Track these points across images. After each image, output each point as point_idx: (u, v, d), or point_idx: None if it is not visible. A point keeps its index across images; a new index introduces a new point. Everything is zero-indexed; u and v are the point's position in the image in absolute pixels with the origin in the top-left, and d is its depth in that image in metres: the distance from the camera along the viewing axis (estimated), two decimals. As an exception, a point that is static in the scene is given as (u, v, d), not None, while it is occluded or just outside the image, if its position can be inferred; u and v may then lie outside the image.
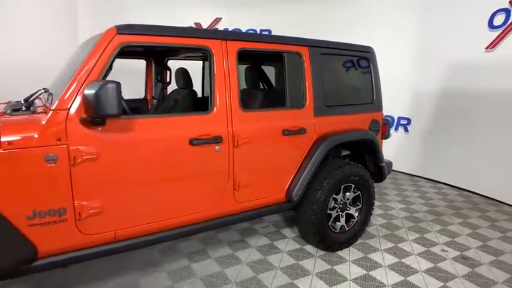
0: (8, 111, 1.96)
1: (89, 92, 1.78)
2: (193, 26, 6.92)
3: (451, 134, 5.13)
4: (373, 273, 2.81)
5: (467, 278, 2.76)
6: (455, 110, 5.07)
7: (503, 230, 3.70)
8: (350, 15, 5.86)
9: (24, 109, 2.01)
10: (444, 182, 5.31)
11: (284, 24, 6.47)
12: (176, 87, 3.38)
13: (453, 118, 5.10)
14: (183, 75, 3.27)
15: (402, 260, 3.02)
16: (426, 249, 3.23)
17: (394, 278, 2.74)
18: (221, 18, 7.00)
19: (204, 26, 6.92)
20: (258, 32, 6.89)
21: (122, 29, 2.02)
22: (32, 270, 1.88)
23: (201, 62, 4.06)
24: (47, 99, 2.10)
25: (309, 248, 3.19)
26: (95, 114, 1.81)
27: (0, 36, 5.16)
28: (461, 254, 3.15)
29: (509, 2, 4.41)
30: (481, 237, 3.51)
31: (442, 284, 2.68)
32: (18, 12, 5.33)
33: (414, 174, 5.69)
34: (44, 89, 2.64)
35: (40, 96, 2.35)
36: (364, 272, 2.82)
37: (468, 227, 3.74)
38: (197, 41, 2.31)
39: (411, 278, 2.74)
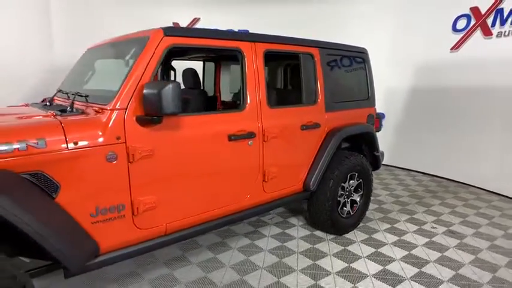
0: (57, 113, 1.98)
1: (151, 91, 1.87)
2: (172, 25, 6.91)
3: (421, 127, 5.69)
4: (381, 250, 3.14)
5: (458, 248, 3.20)
6: (425, 105, 5.64)
7: (475, 207, 4.26)
8: (328, 15, 6.20)
9: (71, 110, 2.03)
10: (416, 170, 5.89)
11: (262, 24, 6.68)
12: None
13: (423, 113, 5.67)
14: (193, 76, 3.37)
15: (402, 238, 3.40)
16: (418, 227, 3.66)
17: (400, 253, 3.10)
18: (199, 19, 7.07)
19: (183, 26, 6.94)
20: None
21: (168, 32, 2.12)
22: (94, 266, 1.93)
23: (202, 62, 4.18)
24: (86, 101, 2.12)
25: (319, 233, 3.47)
26: (156, 113, 1.91)
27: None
28: (448, 229, 3.62)
29: (470, 8, 5.02)
30: (459, 214, 4.02)
31: (440, 254, 3.08)
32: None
33: (389, 164, 6.21)
34: (59, 90, 2.64)
35: (66, 98, 2.35)
36: (374, 249, 3.15)
37: (447, 207, 4.25)
38: (231, 43, 2.46)
39: (414, 252, 3.12)
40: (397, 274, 2.76)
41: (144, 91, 1.92)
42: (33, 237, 1.57)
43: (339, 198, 3.32)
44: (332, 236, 3.40)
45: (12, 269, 1.55)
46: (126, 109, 1.95)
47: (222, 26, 6.99)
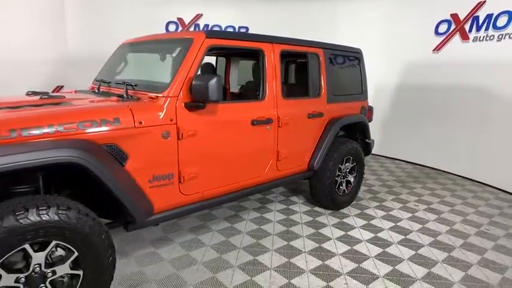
0: (119, 98, 2.42)
1: (200, 83, 2.35)
2: (176, 21, 7.31)
3: (405, 120, 6.31)
4: (372, 222, 3.72)
5: (437, 221, 3.80)
6: (409, 100, 6.25)
7: (451, 190, 4.90)
8: (327, 15, 6.71)
9: (127, 97, 2.48)
10: (400, 158, 6.52)
11: (262, 21, 7.18)
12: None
13: (407, 107, 6.29)
14: (211, 69, 3.83)
15: (389, 213, 3.98)
16: (403, 205, 4.25)
17: (388, 224, 3.68)
18: (202, 15, 7.46)
19: (186, 21, 7.33)
20: (237, 28, 7.54)
21: (209, 34, 2.59)
22: (150, 223, 2.40)
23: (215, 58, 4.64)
24: (134, 89, 2.56)
25: (318, 209, 4.01)
26: (203, 100, 2.39)
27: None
28: (429, 207, 4.23)
29: (450, 14, 5.63)
30: (438, 195, 4.65)
31: (421, 225, 3.68)
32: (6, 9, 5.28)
33: (376, 154, 6.82)
34: (97, 80, 3.07)
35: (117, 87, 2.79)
36: (366, 221, 3.72)
37: (427, 190, 4.88)
38: (255, 44, 2.94)
39: (400, 224, 3.70)
40: (387, 240, 3.34)
41: (194, 82, 2.38)
42: (115, 191, 2.04)
43: (336, 178, 3.87)
44: (330, 211, 3.95)
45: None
46: (178, 97, 2.42)
47: (223, 22, 7.46)
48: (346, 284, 2.59)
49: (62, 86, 6.18)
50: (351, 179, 4.10)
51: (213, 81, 2.33)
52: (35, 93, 2.79)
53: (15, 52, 5.42)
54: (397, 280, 2.66)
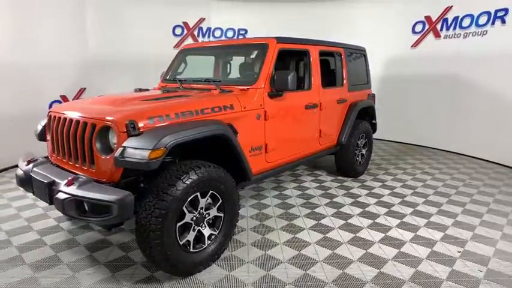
0: (219, 91, 3.21)
1: (282, 76, 3.18)
2: (182, 25, 7.97)
3: (390, 105, 7.46)
4: (386, 183, 4.74)
5: (432, 180, 4.91)
6: (392, 88, 7.40)
7: (435, 159, 6.09)
8: (321, 16, 7.68)
9: (223, 90, 3.26)
10: (388, 139, 7.69)
11: (261, 22, 8.05)
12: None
13: (390, 94, 7.43)
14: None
15: (396, 177, 5.03)
16: (404, 170, 5.34)
17: (398, 183, 4.72)
18: (204, 19, 8.17)
19: (191, 25, 8.01)
20: (236, 31, 8.36)
21: (279, 40, 3.42)
22: (252, 182, 3.21)
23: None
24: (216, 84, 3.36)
25: (340, 177, 4.97)
26: (284, 90, 3.22)
27: (21, 35, 5.49)
28: (423, 170, 5.35)
29: (425, 16, 6.82)
30: (427, 163, 5.80)
31: (422, 183, 4.76)
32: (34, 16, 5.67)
33: (367, 136, 7.93)
34: (178, 80, 3.79)
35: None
36: (381, 183, 4.74)
37: (417, 160, 6.03)
38: (305, 46, 3.82)
39: (407, 183, 4.76)
40: (401, 193, 4.36)
41: (277, 76, 3.21)
42: (241, 157, 2.84)
43: (355, 151, 4.85)
44: (351, 179, 4.93)
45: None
46: (264, 88, 3.24)
47: (223, 26, 8.23)
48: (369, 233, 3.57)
49: (85, 89, 6.65)
50: (364, 152, 5.11)
51: (291, 75, 3.18)
52: (141, 89, 3.49)
53: (44, 58, 5.83)
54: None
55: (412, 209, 3.83)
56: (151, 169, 2.19)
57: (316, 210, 3.80)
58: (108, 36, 6.88)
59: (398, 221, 3.53)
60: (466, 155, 6.29)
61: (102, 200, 2.08)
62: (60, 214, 3.58)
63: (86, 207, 2.19)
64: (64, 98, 6.29)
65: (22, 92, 5.54)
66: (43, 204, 3.87)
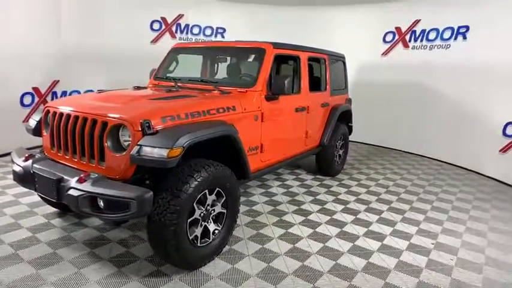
0: (219, 92, 3.33)
1: (279, 80, 3.36)
2: (160, 20, 7.89)
3: (359, 109, 7.89)
4: (361, 182, 5.11)
5: (401, 179, 5.36)
6: (361, 93, 7.83)
7: (402, 160, 6.61)
8: (300, 20, 7.96)
9: (221, 92, 3.38)
10: (356, 141, 8.16)
11: (239, 23, 8.18)
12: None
13: (359, 99, 7.85)
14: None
15: (369, 176, 5.43)
16: (375, 171, 5.76)
17: (372, 182, 5.11)
18: (183, 15, 8.15)
19: (169, 21, 7.96)
20: (215, 29, 8.43)
21: (275, 46, 3.60)
22: (251, 179, 3.37)
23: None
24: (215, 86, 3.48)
25: (319, 176, 5.27)
26: (280, 93, 3.41)
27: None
28: (392, 170, 5.81)
29: (395, 27, 7.34)
30: (395, 165, 6.29)
31: (393, 182, 5.19)
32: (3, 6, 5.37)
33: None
34: (160, 77, 3.85)
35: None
36: (356, 182, 5.10)
37: (386, 161, 6.51)
38: (296, 52, 4.03)
39: (379, 182, 5.17)
40: (376, 191, 4.74)
41: (274, 80, 3.39)
42: (242, 154, 3.00)
43: (334, 152, 5.17)
44: (328, 178, 5.24)
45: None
46: (261, 91, 3.41)
47: (202, 23, 8.26)
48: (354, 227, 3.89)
49: (58, 81, 6.40)
50: (341, 153, 5.46)
51: (288, 80, 3.38)
52: (139, 87, 3.51)
53: (14, 48, 5.53)
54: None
55: (388, 206, 4.20)
56: (168, 167, 2.28)
57: (303, 207, 4.04)
58: (83, 27, 6.65)
59: (377, 216, 3.87)
60: (427, 157, 6.88)
61: (121, 197, 2.14)
62: (47, 211, 3.52)
63: (101, 204, 2.23)
64: (36, 91, 6.02)
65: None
66: (26, 200, 3.76)
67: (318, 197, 4.38)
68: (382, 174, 5.60)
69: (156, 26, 7.84)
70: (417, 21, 6.96)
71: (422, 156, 6.99)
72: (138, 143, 2.30)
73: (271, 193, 4.43)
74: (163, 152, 2.24)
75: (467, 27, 6.05)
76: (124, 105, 2.67)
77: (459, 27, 6.17)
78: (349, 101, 5.67)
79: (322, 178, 5.19)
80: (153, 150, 2.26)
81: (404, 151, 7.35)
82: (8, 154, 5.50)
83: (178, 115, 2.59)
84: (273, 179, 5.05)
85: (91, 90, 6.58)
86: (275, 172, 5.34)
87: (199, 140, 2.48)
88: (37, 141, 3.90)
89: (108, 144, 2.42)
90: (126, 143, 2.44)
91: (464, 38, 6.10)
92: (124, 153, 2.37)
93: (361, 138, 8.10)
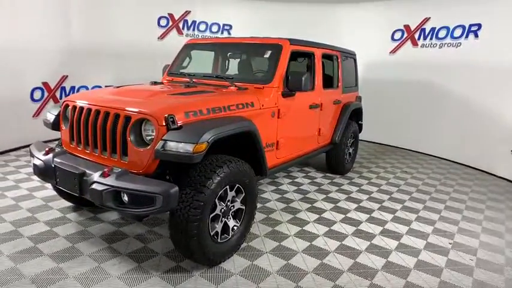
0: (233, 89, 3.30)
1: (297, 77, 3.33)
2: (167, 16, 7.86)
3: (366, 107, 7.87)
4: (364, 187, 5.10)
5: (412, 179, 5.35)
6: (368, 91, 7.79)
7: (411, 159, 6.60)
8: (307, 17, 7.91)
9: (238, 88, 3.35)
10: (363, 139, 8.14)
11: (246, 20, 8.14)
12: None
13: (366, 97, 7.82)
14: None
15: (379, 175, 5.42)
16: (385, 170, 5.75)
17: (383, 181, 5.10)
18: (190, 12, 8.11)
19: (176, 17, 7.93)
20: (221, 26, 8.39)
21: (292, 42, 3.58)
22: (266, 176, 3.34)
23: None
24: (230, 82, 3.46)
25: (329, 174, 5.26)
26: (297, 90, 3.39)
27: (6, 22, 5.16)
28: (402, 169, 5.80)
29: (404, 25, 7.30)
30: (404, 164, 6.28)
31: (404, 181, 5.17)
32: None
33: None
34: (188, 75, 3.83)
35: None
36: (367, 180, 5.09)
37: (394, 160, 6.49)
38: (310, 49, 4.00)
39: (390, 180, 5.15)
40: (378, 198, 4.73)
41: (291, 77, 3.36)
42: (262, 152, 2.98)
43: (345, 150, 5.16)
44: (338, 176, 5.22)
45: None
46: (278, 87, 3.39)
47: (209, 19, 8.22)
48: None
49: (67, 76, 6.38)
50: (351, 151, 5.44)
51: (306, 76, 3.35)
52: (156, 83, 3.49)
53: (24, 43, 5.49)
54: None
55: (401, 205, 4.19)
56: (193, 162, 2.27)
57: (315, 204, 4.03)
58: (92, 23, 6.62)
59: (392, 215, 3.86)
60: (435, 156, 6.87)
61: (147, 192, 2.12)
62: (62, 205, 3.51)
63: (125, 199, 2.21)
64: (46, 85, 5.99)
65: (2, 77, 5.21)
66: (41, 194, 3.75)
67: (329, 195, 4.36)
68: (392, 173, 5.58)
69: (163, 22, 7.81)
70: (427, 19, 6.92)
71: (429, 155, 6.98)
72: (163, 138, 2.29)
73: (282, 190, 4.42)
74: (189, 147, 2.23)
75: (479, 25, 6.01)
76: (146, 99, 2.65)
77: (471, 25, 6.14)
78: (359, 98, 5.64)
79: (332, 176, 5.17)
80: (178, 145, 2.24)
81: (411, 150, 7.33)
82: (20, 148, 5.54)
83: (200, 110, 2.57)
84: (282, 176, 5.03)
85: (99, 86, 6.58)
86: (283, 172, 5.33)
87: (223, 136, 2.46)
88: (50, 135, 3.90)
89: (131, 138, 2.40)
90: (148, 138, 2.42)
91: (476, 36, 6.06)
92: (148, 147, 2.36)
93: (368, 137, 8.08)
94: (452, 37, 6.50)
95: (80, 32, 6.40)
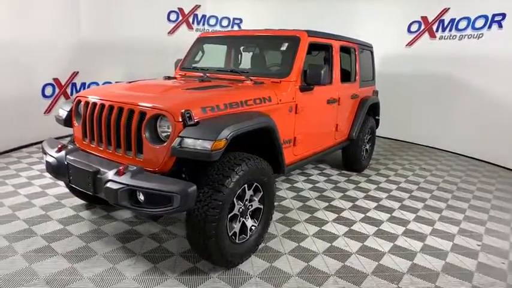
0: (249, 83, 3.17)
1: (315, 70, 3.19)
2: (177, 11, 7.75)
3: (381, 102, 7.68)
4: (382, 185, 4.93)
5: (431, 176, 5.17)
6: (383, 86, 7.58)
7: (429, 156, 6.39)
8: (319, 11, 7.70)
9: (255, 82, 3.22)
10: (381, 135, 7.93)
11: (257, 14, 7.98)
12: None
13: (386, 88, 7.63)
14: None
15: (397, 172, 5.24)
16: (402, 166, 5.57)
17: (399, 179, 4.93)
18: (200, 6, 7.98)
19: (186, 11, 7.81)
20: (231, 20, 8.25)
21: (309, 34, 3.43)
22: (284, 173, 3.22)
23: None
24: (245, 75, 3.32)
25: (345, 172, 5.11)
26: (316, 84, 3.24)
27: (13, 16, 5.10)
28: (420, 166, 5.61)
29: (421, 17, 7.05)
30: (422, 160, 6.08)
31: (423, 179, 4.99)
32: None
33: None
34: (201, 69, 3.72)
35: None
36: (385, 178, 4.92)
37: (411, 156, 6.30)
38: (328, 41, 3.84)
39: (402, 185, 4.98)
40: (398, 197, 4.56)
41: (310, 70, 3.21)
42: (280, 149, 2.85)
43: (362, 146, 4.99)
44: (355, 173, 5.07)
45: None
46: (295, 82, 3.25)
47: (218, 13, 8.08)
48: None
49: (77, 72, 6.33)
50: (368, 147, 5.27)
51: (325, 69, 3.20)
52: (169, 77, 3.38)
53: (35, 39, 5.43)
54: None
55: (423, 204, 4.02)
56: (212, 160, 2.15)
57: (333, 203, 3.89)
58: (102, 19, 6.55)
59: (414, 215, 3.70)
60: (453, 153, 6.64)
61: (164, 191, 2.02)
62: (75, 203, 3.45)
63: (141, 198, 2.12)
64: (57, 82, 5.95)
65: (14, 74, 5.16)
66: (53, 192, 3.70)
67: (347, 193, 4.22)
68: (410, 170, 5.40)
69: (173, 16, 7.71)
70: (446, 10, 6.66)
71: (447, 151, 6.75)
72: (180, 135, 2.18)
73: (297, 188, 4.29)
74: (207, 144, 2.11)
75: (503, 15, 5.74)
76: (161, 94, 2.55)
77: (494, 15, 5.87)
78: (376, 92, 5.46)
79: (348, 173, 5.02)
80: (195, 142, 2.13)
81: (428, 146, 7.11)
82: (32, 145, 5.51)
83: (217, 105, 2.45)
84: (297, 173, 4.90)
85: (109, 82, 6.51)
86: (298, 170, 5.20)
87: (241, 132, 2.34)
88: (62, 131, 3.83)
89: (146, 135, 2.30)
90: (164, 134, 2.32)
91: (500, 26, 5.80)
92: (164, 144, 2.25)
93: (383, 133, 7.88)
94: (474, 28, 6.24)
95: (90, 28, 6.33)
